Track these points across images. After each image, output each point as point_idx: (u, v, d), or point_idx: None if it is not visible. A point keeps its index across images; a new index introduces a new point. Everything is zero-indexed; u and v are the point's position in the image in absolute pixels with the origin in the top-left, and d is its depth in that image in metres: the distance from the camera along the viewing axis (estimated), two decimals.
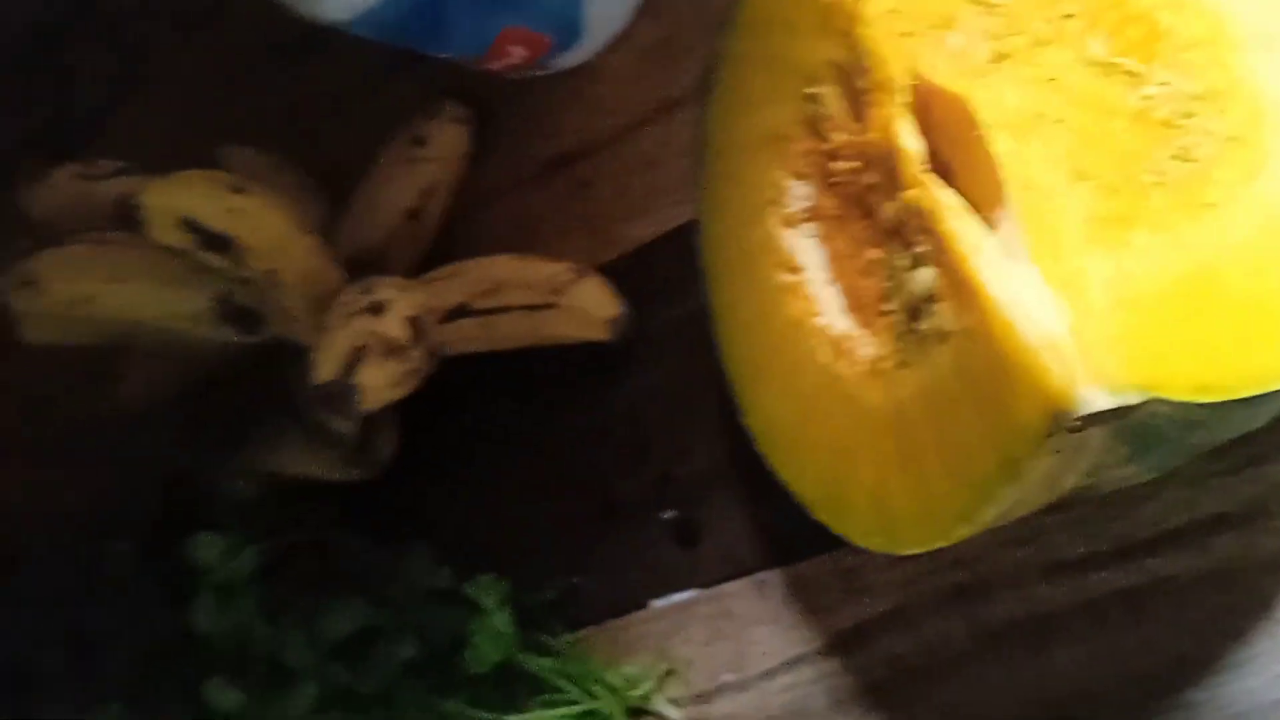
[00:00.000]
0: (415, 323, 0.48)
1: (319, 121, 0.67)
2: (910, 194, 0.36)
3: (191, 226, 0.47)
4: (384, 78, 0.65)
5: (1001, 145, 0.35)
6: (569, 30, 0.56)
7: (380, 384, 0.45)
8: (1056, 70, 0.36)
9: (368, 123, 0.63)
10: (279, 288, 0.50)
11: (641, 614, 0.55)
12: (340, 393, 0.45)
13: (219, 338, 0.56)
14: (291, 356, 0.54)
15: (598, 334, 0.56)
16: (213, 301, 0.53)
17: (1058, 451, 0.31)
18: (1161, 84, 0.36)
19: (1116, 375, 0.30)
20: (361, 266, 0.60)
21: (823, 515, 0.41)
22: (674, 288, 0.56)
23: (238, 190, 0.49)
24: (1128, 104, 0.36)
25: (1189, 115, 0.35)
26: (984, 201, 0.35)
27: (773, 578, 0.52)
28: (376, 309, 0.47)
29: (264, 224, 0.49)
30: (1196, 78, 0.36)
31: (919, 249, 0.36)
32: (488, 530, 0.60)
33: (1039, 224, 0.33)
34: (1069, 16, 0.37)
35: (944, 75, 0.37)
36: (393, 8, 0.48)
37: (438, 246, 0.62)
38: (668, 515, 0.56)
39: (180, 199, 0.47)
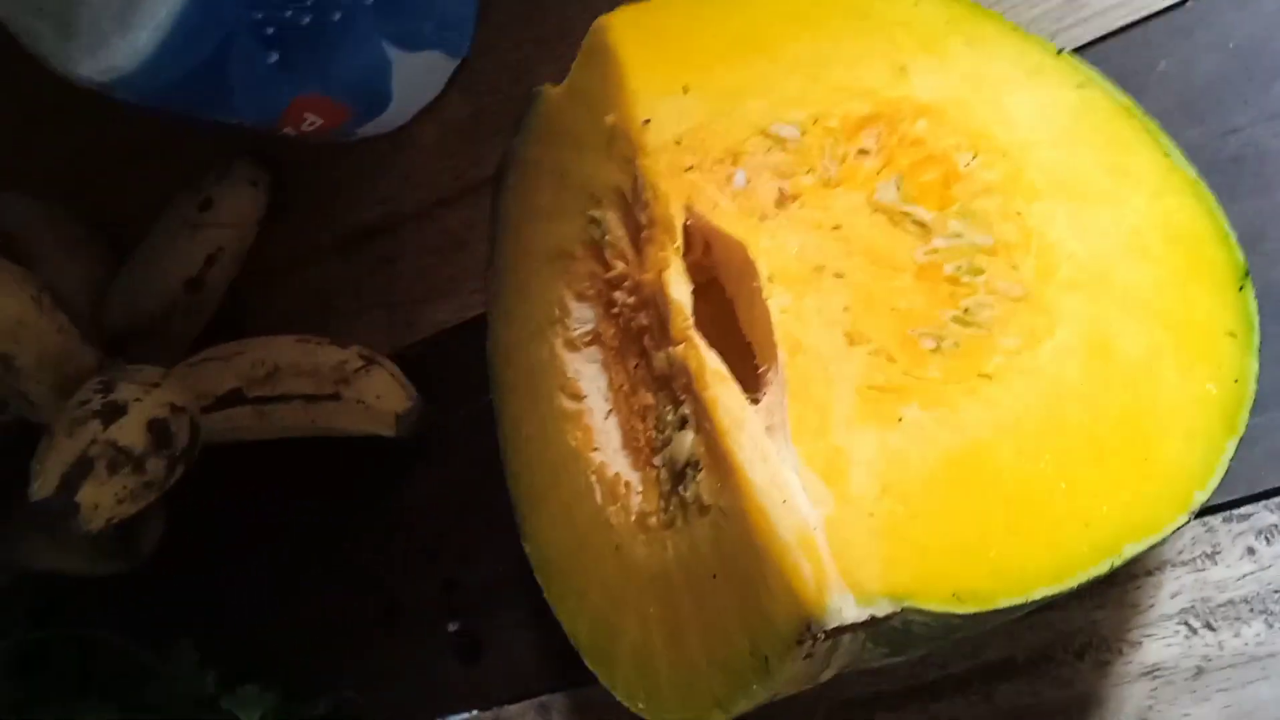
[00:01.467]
0: (161, 427, 0.43)
1: (112, 172, 0.62)
2: (675, 350, 0.33)
3: None
4: (185, 130, 0.60)
5: (778, 300, 0.32)
6: (373, 100, 0.52)
7: (106, 502, 0.40)
8: (843, 216, 0.34)
9: (163, 176, 0.58)
10: (15, 373, 0.45)
11: None
12: (59, 510, 0.39)
13: None
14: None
15: (383, 429, 0.52)
16: None
17: (808, 656, 0.29)
18: (952, 235, 0.34)
19: (869, 583, 0.28)
20: (135, 336, 0.55)
21: (591, 663, 0.38)
22: (473, 379, 0.52)
23: None
24: (914, 258, 0.33)
25: (977, 272, 0.33)
26: (760, 349, 0.32)
27: (556, 701, 0.49)
28: (111, 413, 0.42)
29: (0, 306, 0.43)
30: (988, 228, 0.34)
31: (684, 409, 0.33)
32: (259, 629, 0.55)
33: (807, 393, 0.31)
34: (864, 153, 0.35)
35: (726, 215, 0.34)
36: (163, 73, 0.43)
37: (223, 317, 0.57)
38: (452, 627, 0.52)
39: None
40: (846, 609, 0.27)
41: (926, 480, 0.30)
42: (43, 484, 0.40)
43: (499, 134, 0.53)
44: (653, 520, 0.34)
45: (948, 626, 0.29)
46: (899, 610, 0.28)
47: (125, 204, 0.59)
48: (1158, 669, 0.40)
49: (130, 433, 0.42)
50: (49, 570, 0.53)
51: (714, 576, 0.31)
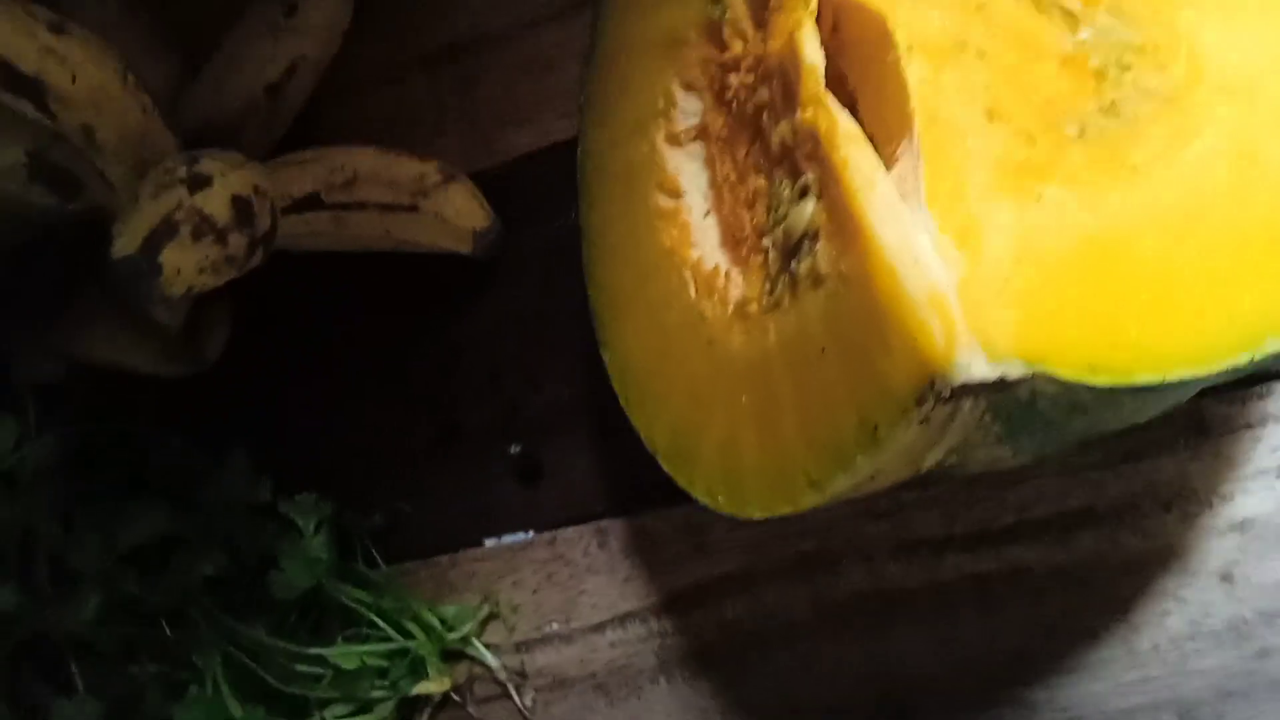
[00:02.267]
0: (244, 205, 0.42)
1: None
2: (806, 113, 0.31)
3: None
4: None
5: (915, 72, 0.31)
6: None
7: (189, 267, 0.40)
8: None
9: None
10: (96, 148, 0.44)
11: (473, 551, 0.51)
12: (139, 271, 0.39)
13: (32, 198, 0.49)
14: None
15: (460, 245, 0.51)
16: (24, 156, 0.46)
17: (924, 422, 0.28)
18: (1101, 29, 0.32)
19: (1002, 342, 0.27)
20: (208, 142, 0.53)
21: (669, 466, 0.37)
22: (549, 206, 0.52)
23: (57, 29, 0.42)
24: (1061, 46, 0.32)
25: (1125, 68, 0.32)
26: (888, 132, 0.31)
27: (614, 527, 0.49)
28: (198, 182, 0.41)
29: (84, 71, 0.42)
30: (1139, 27, 0.32)
31: (806, 178, 0.32)
32: (317, 444, 0.55)
33: (943, 163, 0.30)
34: None
35: None
36: None
37: (299, 131, 0.56)
38: (513, 450, 0.51)
39: None
40: (976, 364, 0.26)
41: (1065, 256, 0.29)
42: (126, 241, 0.39)
43: None
44: (753, 307, 0.33)
45: (1073, 406, 0.28)
46: (1030, 376, 0.27)
47: (206, 9, 0.58)
48: (1248, 523, 0.39)
49: (215, 203, 0.41)
50: (109, 364, 0.52)
51: (821, 352, 0.30)
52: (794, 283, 0.32)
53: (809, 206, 0.31)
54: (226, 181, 0.42)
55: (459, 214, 0.50)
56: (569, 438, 0.50)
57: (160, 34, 0.57)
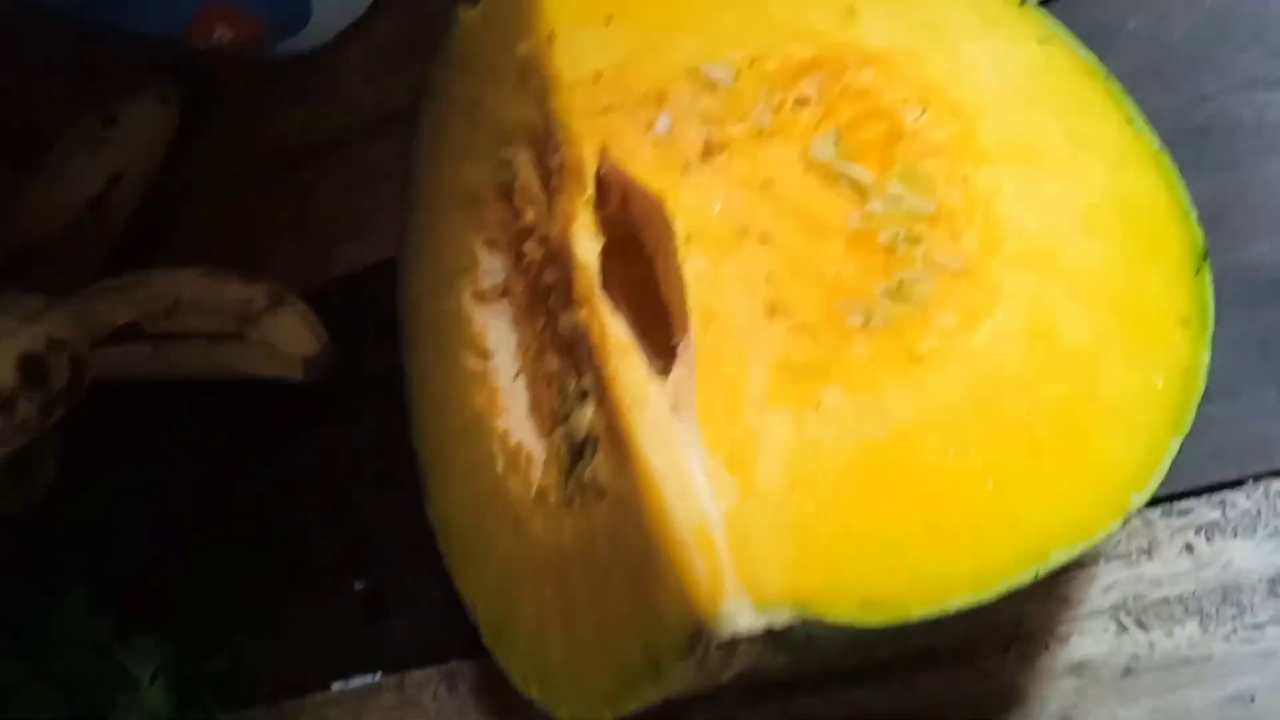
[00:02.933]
0: (35, 364, 0.39)
1: (19, 87, 0.57)
2: (580, 314, 0.29)
3: None
4: (99, 44, 0.55)
5: (694, 265, 0.29)
6: (290, 14, 0.48)
7: None
8: (774, 172, 0.31)
9: (73, 92, 0.54)
10: None
11: (320, 696, 0.49)
12: None
13: None
14: None
15: (290, 373, 0.48)
16: None
17: (703, 659, 0.26)
18: (891, 199, 0.31)
19: (770, 585, 0.25)
20: (36, 258, 0.51)
21: (488, 642, 0.36)
22: (392, 322, 0.49)
23: None
24: (847, 223, 0.30)
25: (915, 241, 0.30)
26: (678, 322, 0.29)
27: (464, 669, 0.47)
28: None
29: None
30: (931, 193, 0.31)
31: (586, 380, 0.30)
32: (159, 579, 0.52)
33: (719, 370, 0.28)
34: (802, 103, 0.32)
35: (645, 164, 0.31)
36: None
37: (133, 242, 0.53)
38: (358, 585, 0.49)
39: None
40: (741, 617, 0.25)
41: (842, 472, 0.27)
42: None
43: (431, 57, 0.49)
44: (552, 498, 0.32)
45: (854, 635, 0.27)
46: (800, 621, 0.25)
47: (32, 120, 0.55)
48: (1085, 666, 0.38)
49: None
50: None
51: (608, 568, 0.28)
52: (581, 487, 0.30)
53: (588, 412, 0.29)
54: (14, 342, 0.40)
55: (287, 340, 0.48)
56: (417, 573, 0.48)
57: None
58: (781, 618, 0.25)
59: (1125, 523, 0.28)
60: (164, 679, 0.48)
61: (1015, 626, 0.39)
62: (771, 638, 0.26)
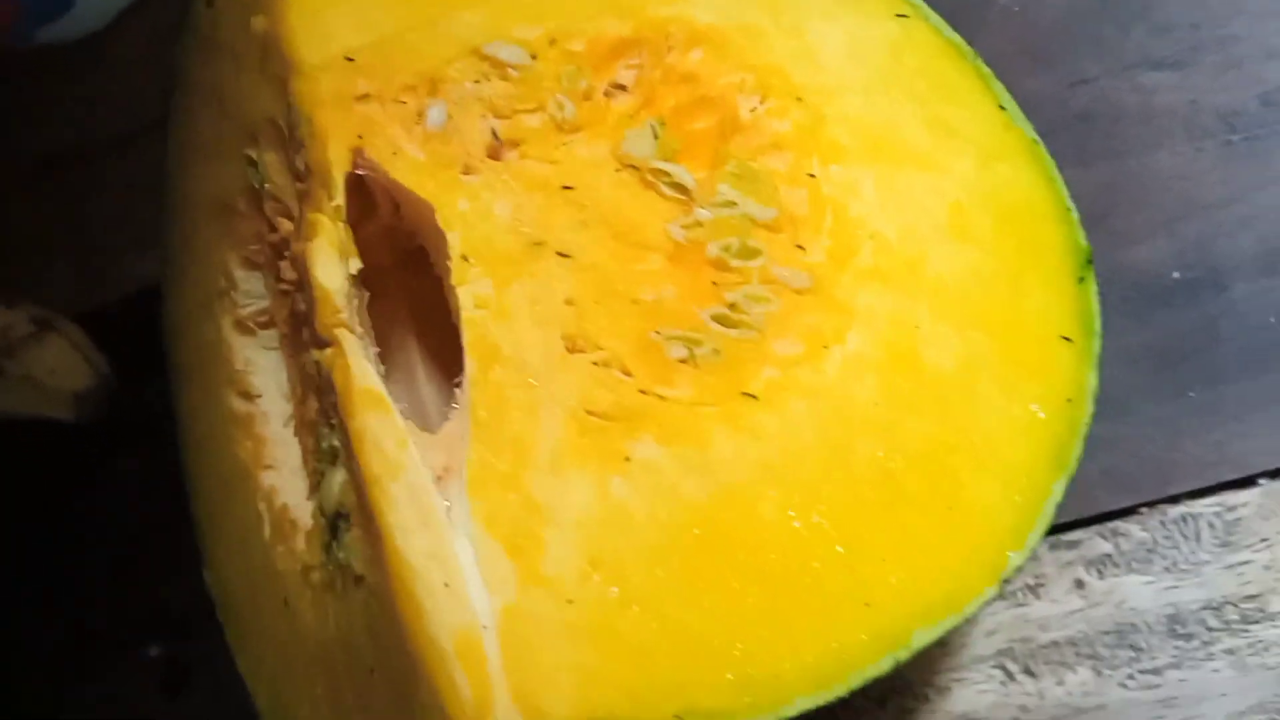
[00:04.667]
0: None
1: None
2: (323, 355, 0.23)
3: None
4: None
5: (472, 287, 0.23)
6: None
7: None
8: (579, 173, 0.26)
9: None
10: None
11: None
12: None
13: None
14: None
15: (59, 412, 0.42)
16: None
17: None
18: (722, 204, 0.26)
19: (554, 706, 0.20)
20: None
21: None
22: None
23: None
24: (668, 233, 0.25)
25: (751, 254, 0.25)
26: (446, 366, 0.23)
27: None
28: None
29: None
30: (771, 197, 0.26)
31: (335, 437, 0.24)
32: None
33: (500, 423, 0.23)
34: (616, 90, 0.26)
35: (411, 165, 0.25)
36: None
37: None
38: (153, 652, 0.43)
39: None
40: None
41: (656, 547, 0.22)
42: None
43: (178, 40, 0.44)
44: (315, 576, 0.26)
45: None
46: None
47: None
48: (967, 718, 0.34)
49: None
50: None
51: (371, 670, 0.22)
52: (340, 568, 0.24)
53: (339, 478, 0.24)
54: None
55: (54, 374, 0.42)
56: (217, 635, 0.42)
57: None
58: None
59: (1000, 590, 0.24)
60: None
61: (891, 679, 0.35)
62: None
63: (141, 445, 0.44)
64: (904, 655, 0.22)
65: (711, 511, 0.22)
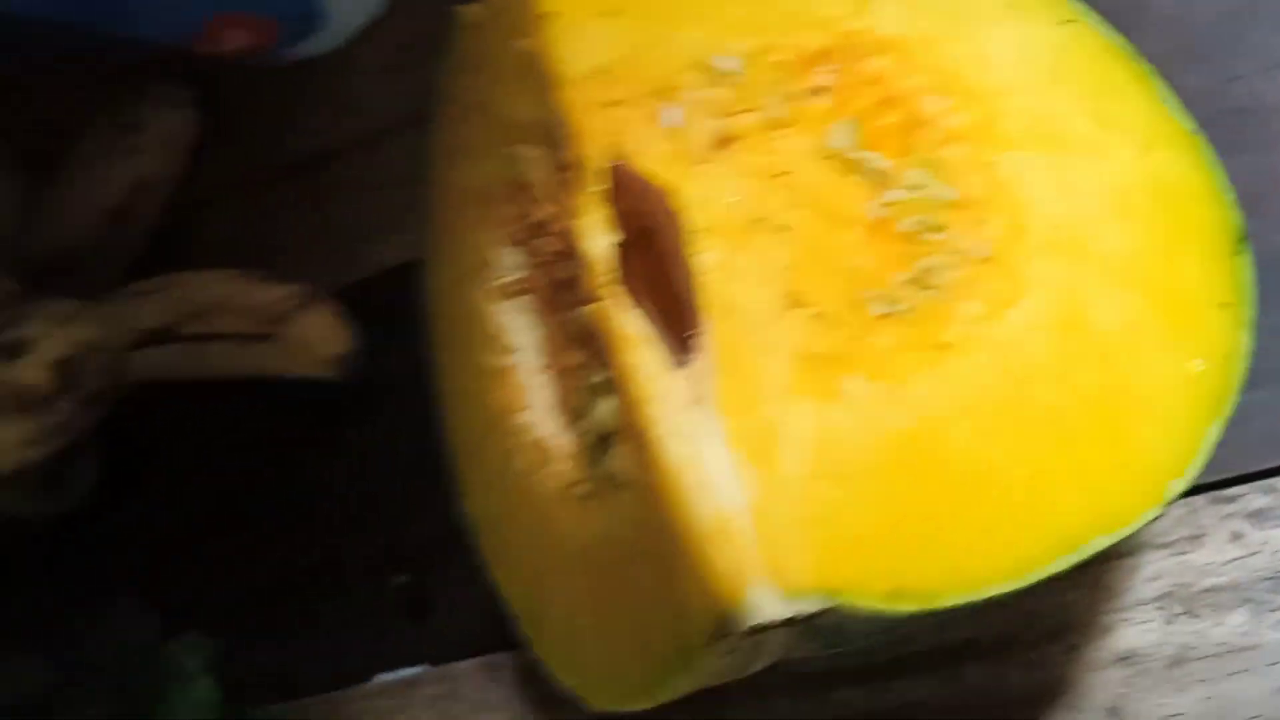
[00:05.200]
0: (70, 366, 0.40)
1: (38, 91, 0.58)
2: (591, 310, 0.29)
3: None
4: (117, 46, 0.56)
5: (708, 256, 0.29)
6: (305, 17, 0.48)
7: (10, 443, 0.38)
8: (789, 162, 0.30)
9: (92, 96, 0.54)
10: None
11: (364, 688, 0.50)
12: None
13: None
14: None
15: (322, 371, 0.49)
16: None
17: (731, 652, 0.26)
18: (911, 187, 0.30)
19: (796, 574, 0.25)
20: (56, 271, 0.51)
21: (526, 633, 0.36)
22: (419, 321, 0.50)
23: None
24: (867, 211, 0.30)
25: (937, 229, 0.30)
26: (682, 321, 0.29)
27: (506, 661, 0.47)
28: (13, 350, 0.39)
29: None
30: (955, 180, 0.30)
31: (604, 374, 0.30)
32: (202, 579, 0.53)
33: (738, 361, 0.28)
34: (816, 92, 0.31)
35: (655, 158, 0.30)
36: None
37: (159, 250, 0.54)
38: (398, 581, 0.49)
39: None
40: (766, 606, 0.25)
41: (868, 461, 0.27)
42: None
43: (440, 58, 0.49)
44: (578, 491, 0.31)
45: (887, 624, 0.27)
46: (829, 608, 0.25)
47: (48, 119, 0.56)
48: (1133, 656, 0.38)
49: (34, 371, 0.39)
50: None
51: (634, 559, 0.28)
52: (606, 478, 0.30)
53: (607, 405, 0.29)
54: (49, 344, 0.40)
55: (319, 340, 0.48)
56: (457, 567, 0.48)
57: (3, 157, 0.54)
58: (808, 606, 0.25)
59: (1163, 511, 0.28)
60: (212, 673, 0.49)
61: (1061, 617, 0.39)
62: (801, 627, 0.26)
63: (389, 401, 0.51)
64: (1078, 558, 0.27)
65: (914, 435, 0.27)
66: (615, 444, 0.29)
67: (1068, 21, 0.32)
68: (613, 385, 0.30)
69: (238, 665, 0.50)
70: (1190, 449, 0.28)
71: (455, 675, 0.48)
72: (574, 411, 0.33)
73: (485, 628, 0.47)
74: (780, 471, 0.26)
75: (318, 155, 0.53)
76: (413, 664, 0.49)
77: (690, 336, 0.28)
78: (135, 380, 0.47)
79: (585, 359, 0.32)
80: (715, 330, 0.28)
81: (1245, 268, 0.30)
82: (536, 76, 0.32)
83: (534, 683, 0.47)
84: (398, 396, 0.50)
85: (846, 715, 0.41)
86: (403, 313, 0.49)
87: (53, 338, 0.40)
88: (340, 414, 0.51)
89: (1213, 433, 0.29)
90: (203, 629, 0.50)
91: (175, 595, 0.52)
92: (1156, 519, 0.28)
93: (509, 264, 0.35)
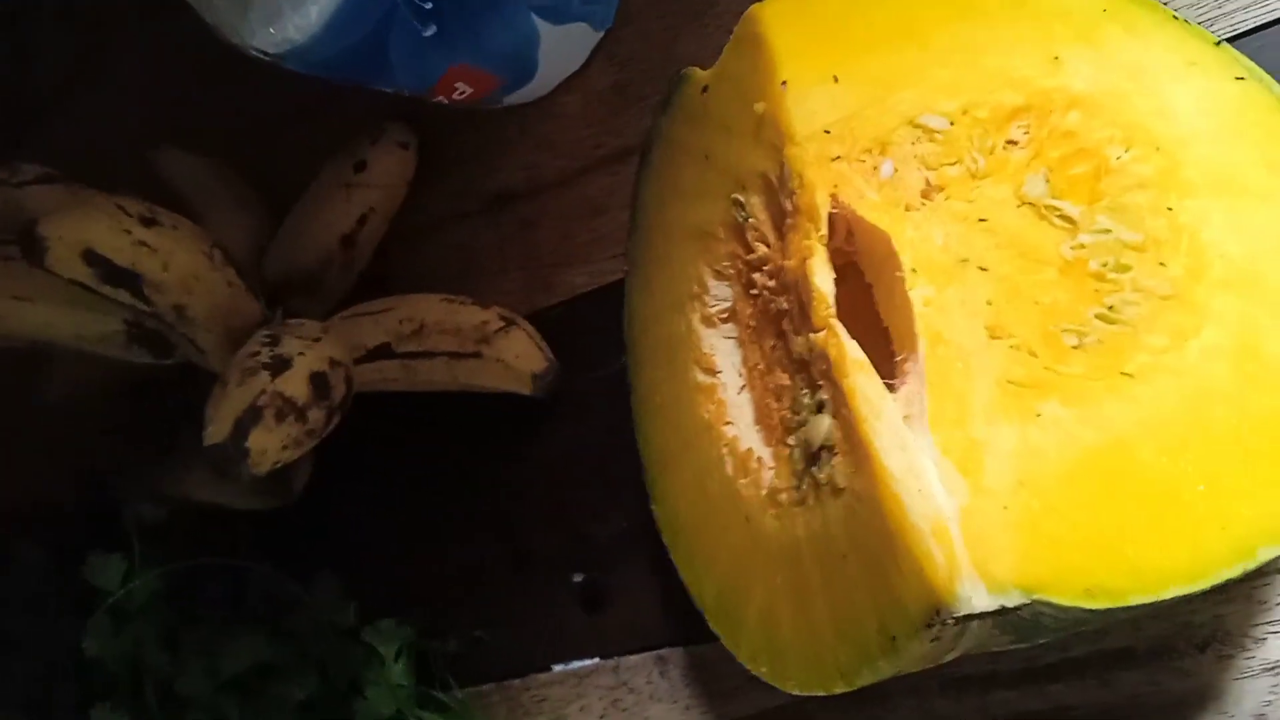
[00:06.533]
0: (321, 379, 0.46)
1: (270, 133, 0.65)
2: (818, 337, 0.34)
3: (94, 260, 0.45)
4: (337, 92, 0.62)
5: (920, 291, 0.33)
6: (521, 69, 0.54)
7: (273, 447, 0.44)
8: (989, 209, 0.34)
9: (317, 138, 0.61)
10: (187, 322, 0.48)
11: (542, 676, 0.54)
12: (229, 456, 0.43)
13: (131, 357, 0.54)
14: (208, 380, 0.52)
15: (521, 387, 0.54)
16: (123, 325, 0.51)
17: (936, 639, 0.30)
18: (1099, 231, 0.34)
19: (1002, 572, 0.29)
20: (292, 290, 0.58)
21: (716, 625, 0.40)
22: (607, 342, 0.54)
23: (148, 222, 0.47)
24: (1059, 253, 0.34)
25: (1123, 269, 0.33)
26: (898, 342, 0.33)
27: (675, 655, 0.51)
28: (279, 365, 0.45)
29: (175, 259, 0.47)
30: (1138, 224, 0.34)
31: (821, 394, 0.34)
32: (398, 570, 0.59)
33: (946, 385, 0.32)
34: (1012, 145, 0.35)
35: (871, 206, 0.35)
36: (330, 45, 0.46)
37: (371, 273, 0.60)
38: (577, 578, 0.54)
39: (83, 231, 0.45)
40: (977, 597, 0.28)
41: (1063, 476, 0.30)
42: (216, 429, 0.43)
43: (641, 104, 0.55)
44: (783, 496, 0.36)
45: (1076, 619, 0.30)
46: (1029, 602, 0.29)
47: (282, 164, 0.62)
48: None
49: (295, 384, 0.45)
50: (207, 503, 0.57)
51: (844, 556, 0.32)
52: (816, 486, 0.34)
53: (825, 422, 0.34)
54: (305, 360, 0.46)
55: (519, 358, 0.53)
56: (631, 568, 0.53)
57: (245, 192, 0.61)
58: (1012, 600, 0.29)
59: None
60: (406, 657, 0.54)
61: (1212, 627, 0.41)
62: (1002, 618, 0.30)
63: (572, 419, 0.55)
64: (1251, 564, 0.30)
65: (1104, 453, 0.31)
66: (829, 456, 0.33)
67: (1241, 78, 0.36)
68: (826, 405, 0.34)
69: (428, 651, 0.56)
70: None
71: (626, 667, 0.52)
72: (780, 428, 0.37)
73: (655, 624, 0.52)
74: (986, 482, 0.30)
75: (520, 191, 0.58)
76: (588, 656, 0.53)
77: (902, 361, 0.32)
78: (358, 391, 0.53)
79: (795, 381, 0.36)
80: (927, 357, 0.32)
81: None
82: (767, 134, 0.37)
83: (700, 677, 0.51)
84: (585, 411, 0.55)
85: (1002, 715, 0.45)
86: (591, 335, 0.55)
87: (307, 355, 0.46)
88: (532, 426, 0.56)
89: None
90: (397, 613, 0.56)
91: (373, 586, 0.57)
92: None
93: (719, 295, 0.40)
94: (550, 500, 0.55)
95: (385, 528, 0.59)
